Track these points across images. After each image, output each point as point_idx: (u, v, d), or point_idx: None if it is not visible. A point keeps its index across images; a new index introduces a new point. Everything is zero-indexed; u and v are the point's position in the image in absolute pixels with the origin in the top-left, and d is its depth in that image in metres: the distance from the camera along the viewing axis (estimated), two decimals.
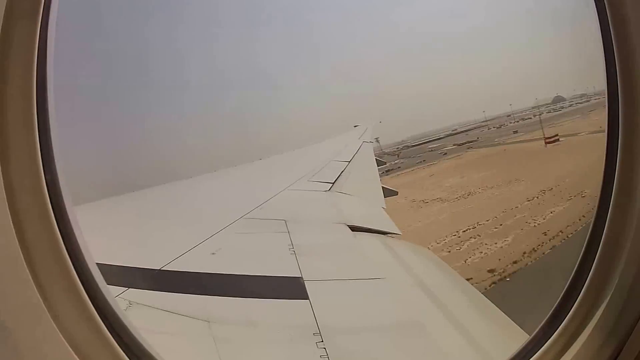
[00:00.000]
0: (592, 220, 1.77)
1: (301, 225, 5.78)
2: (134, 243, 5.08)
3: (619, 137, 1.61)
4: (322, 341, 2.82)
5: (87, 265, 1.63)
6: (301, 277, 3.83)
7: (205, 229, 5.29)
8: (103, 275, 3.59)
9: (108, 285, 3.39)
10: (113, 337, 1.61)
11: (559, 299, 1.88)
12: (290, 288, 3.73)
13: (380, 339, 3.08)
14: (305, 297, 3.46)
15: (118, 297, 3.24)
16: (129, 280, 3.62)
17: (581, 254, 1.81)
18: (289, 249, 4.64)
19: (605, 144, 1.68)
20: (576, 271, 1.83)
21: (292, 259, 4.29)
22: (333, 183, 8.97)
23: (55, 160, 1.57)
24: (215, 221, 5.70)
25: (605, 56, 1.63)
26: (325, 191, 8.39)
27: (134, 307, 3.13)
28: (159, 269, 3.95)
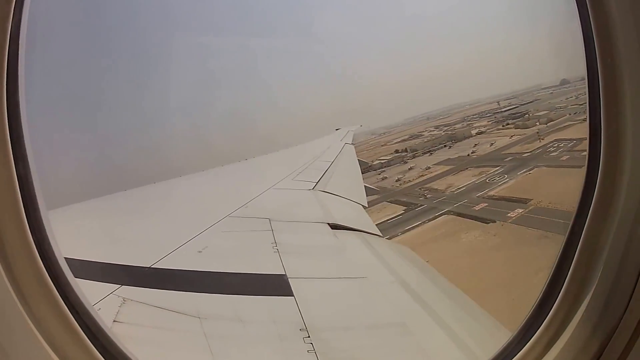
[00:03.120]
0: (574, 214, 1.74)
1: (285, 223, 5.86)
2: (123, 242, 5.09)
3: (602, 129, 1.60)
4: (309, 336, 2.92)
5: (57, 261, 1.65)
6: (285, 275, 3.94)
7: (192, 227, 5.33)
8: (96, 273, 3.65)
9: (99, 282, 3.44)
10: (84, 331, 1.64)
11: (541, 293, 1.86)
12: (275, 285, 3.81)
13: (364, 336, 3.18)
14: (290, 294, 3.56)
15: (112, 293, 3.31)
16: (121, 278, 3.66)
17: (562, 245, 1.79)
18: (273, 247, 4.73)
19: (588, 139, 1.67)
20: (557, 264, 1.81)
21: (276, 257, 4.38)
22: (316, 182, 9.08)
23: (28, 159, 1.57)
24: (201, 220, 5.74)
25: (587, 63, 1.62)
26: (309, 190, 8.49)
27: (127, 303, 3.18)
28: (149, 267, 4.00)
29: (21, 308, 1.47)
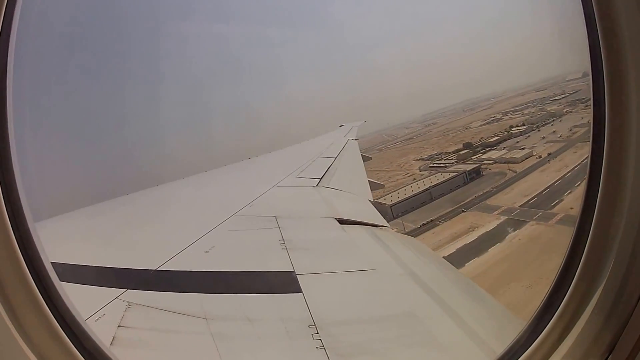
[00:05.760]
0: (581, 208, 1.74)
1: (291, 220, 5.84)
2: (129, 245, 5.09)
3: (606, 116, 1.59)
4: (318, 333, 2.88)
5: (43, 266, 1.64)
6: (294, 272, 3.90)
7: (198, 228, 5.32)
8: (102, 278, 3.66)
9: (104, 287, 3.44)
10: (68, 337, 1.64)
11: (552, 285, 1.86)
12: (284, 282, 3.77)
13: (375, 330, 3.14)
14: (299, 290, 3.53)
15: (117, 298, 3.30)
16: (127, 282, 3.65)
17: (572, 238, 1.79)
18: (281, 244, 4.70)
19: (591, 132, 1.68)
20: (567, 257, 1.81)
21: (284, 254, 4.35)
22: (320, 179, 9.05)
23: (13, 164, 1.56)
24: (207, 220, 5.73)
25: (591, 60, 1.62)
26: (313, 187, 8.46)
27: (133, 307, 3.16)
28: (156, 269, 3.97)
29: (5, 314, 1.46)
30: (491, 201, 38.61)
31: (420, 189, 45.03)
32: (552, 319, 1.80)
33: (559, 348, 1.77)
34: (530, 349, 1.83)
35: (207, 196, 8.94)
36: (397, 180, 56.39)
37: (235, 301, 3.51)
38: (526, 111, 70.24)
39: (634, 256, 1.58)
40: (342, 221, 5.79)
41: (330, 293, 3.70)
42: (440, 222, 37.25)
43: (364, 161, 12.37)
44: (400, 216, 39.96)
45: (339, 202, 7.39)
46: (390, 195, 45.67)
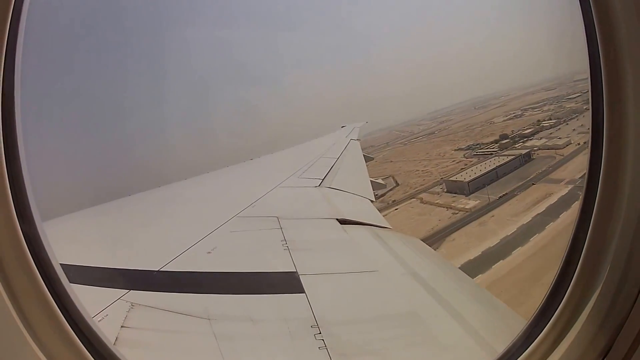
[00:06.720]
0: (579, 212, 1.76)
1: (293, 221, 5.85)
2: (132, 246, 5.11)
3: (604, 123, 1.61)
4: (320, 333, 2.89)
5: (52, 267, 1.65)
6: (296, 272, 3.91)
7: (201, 229, 5.34)
8: (105, 279, 3.68)
9: (107, 288, 3.47)
10: (79, 338, 1.65)
11: (549, 290, 1.88)
12: (286, 283, 3.78)
13: (377, 330, 3.13)
14: (301, 291, 3.54)
15: (120, 299, 3.31)
16: (130, 283, 3.67)
17: (569, 243, 1.81)
18: (283, 244, 4.71)
19: (590, 138, 1.69)
20: (564, 262, 1.83)
21: (286, 255, 4.36)
22: (322, 179, 9.06)
23: (22, 164, 1.57)
24: (209, 221, 5.75)
25: (589, 63, 1.63)
26: (315, 187, 8.47)
27: (136, 308, 3.18)
28: (158, 270, 3.99)
29: (15, 315, 1.47)
30: (553, 176, 43.73)
31: (487, 169, 50.05)
32: (550, 321, 1.82)
33: (556, 349, 1.79)
34: (528, 350, 1.84)
35: (209, 197, 8.96)
36: (447, 166, 58.76)
37: (237, 302, 3.52)
38: (545, 108, 71.79)
39: (630, 260, 1.60)
40: (344, 222, 5.79)
41: (333, 293, 3.71)
42: (516, 193, 41.87)
43: (366, 161, 12.36)
44: (477, 191, 44.62)
45: (341, 203, 7.39)
46: (460, 174, 50.36)
